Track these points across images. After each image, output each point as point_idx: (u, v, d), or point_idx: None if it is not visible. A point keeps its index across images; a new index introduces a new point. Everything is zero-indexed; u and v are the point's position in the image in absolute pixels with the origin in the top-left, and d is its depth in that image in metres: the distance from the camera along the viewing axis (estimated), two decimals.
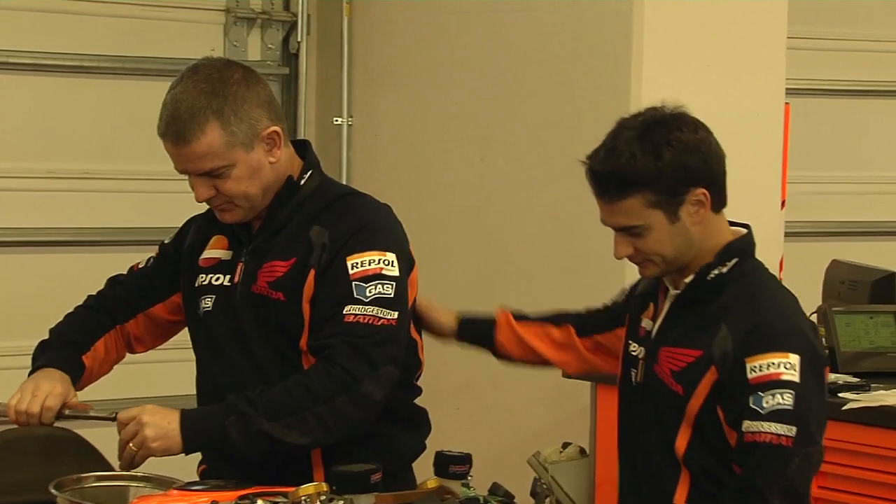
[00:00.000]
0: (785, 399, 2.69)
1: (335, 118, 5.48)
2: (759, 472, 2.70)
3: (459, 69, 5.21)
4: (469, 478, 2.57)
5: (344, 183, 4.50)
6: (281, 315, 2.89)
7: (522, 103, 5.06)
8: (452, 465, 2.54)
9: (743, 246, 2.87)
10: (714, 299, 2.81)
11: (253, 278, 2.92)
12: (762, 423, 2.69)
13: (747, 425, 2.70)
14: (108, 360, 3.09)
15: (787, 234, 5.04)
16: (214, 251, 3.01)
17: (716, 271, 2.82)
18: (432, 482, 2.53)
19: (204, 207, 3.01)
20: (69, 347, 3.03)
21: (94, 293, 3.15)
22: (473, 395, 5.05)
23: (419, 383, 3.06)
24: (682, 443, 2.80)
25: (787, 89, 5.05)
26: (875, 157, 6.17)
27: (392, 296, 2.85)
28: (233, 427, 2.78)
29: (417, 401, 3.06)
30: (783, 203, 4.99)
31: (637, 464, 2.91)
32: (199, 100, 2.82)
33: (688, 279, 2.84)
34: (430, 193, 5.22)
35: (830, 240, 5.78)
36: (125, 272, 3.16)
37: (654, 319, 2.91)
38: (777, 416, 2.69)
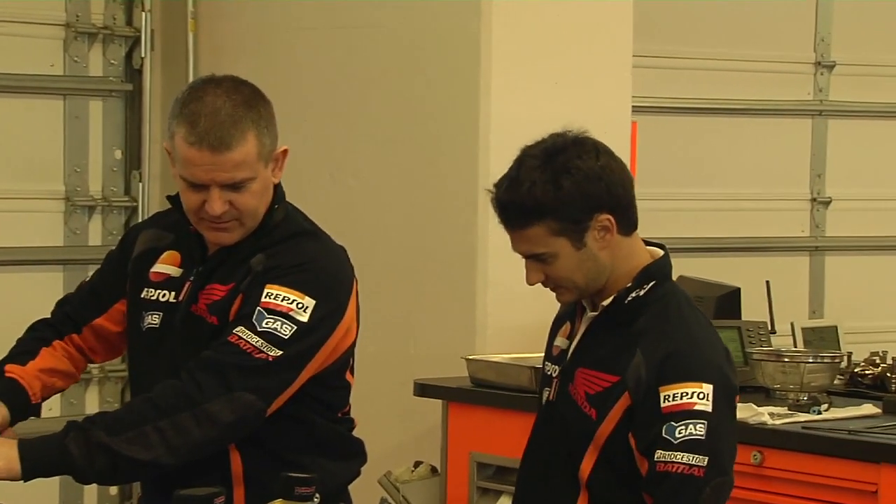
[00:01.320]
0: (697, 429, 2.71)
1: None
2: (670, 501, 2.71)
3: (307, 85, 5.18)
4: (315, 499, 2.53)
5: None
6: (212, 339, 2.87)
7: (372, 120, 5.04)
8: (298, 486, 2.51)
9: (660, 269, 2.88)
10: (631, 323, 2.81)
11: (195, 299, 2.92)
12: (674, 452, 2.70)
13: (659, 454, 2.71)
14: (62, 366, 3.03)
15: None
16: (165, 266, 2.99)
17: (633, 294, 2.82)
18: None
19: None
20: None
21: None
22: None
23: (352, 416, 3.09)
24: (587, 466, 2.80)
25: (633, 107, 5.10)
26: (720, 174, 6.26)
27: (286, 337, 2.83)
28: (72, 443, 2.73)
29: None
30: None
31: (537, 482, 2.90)
32: (238, 109, 2.85)
33: (605, 302, 2.83)
34: None
35: (677, 256, 5.74)
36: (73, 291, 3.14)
37: (570, 339, 2.90)
38: (689, 446, 2.70)
